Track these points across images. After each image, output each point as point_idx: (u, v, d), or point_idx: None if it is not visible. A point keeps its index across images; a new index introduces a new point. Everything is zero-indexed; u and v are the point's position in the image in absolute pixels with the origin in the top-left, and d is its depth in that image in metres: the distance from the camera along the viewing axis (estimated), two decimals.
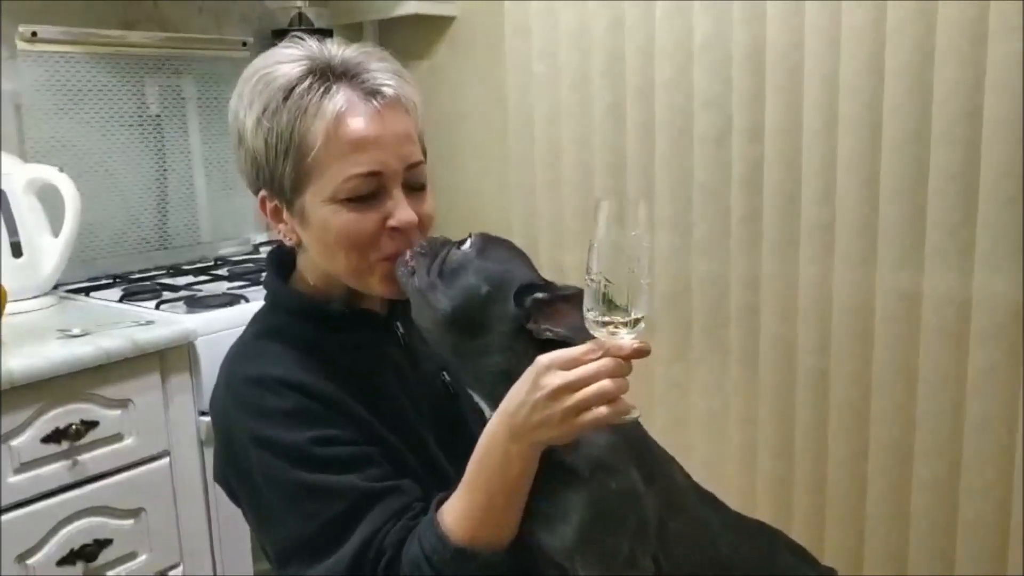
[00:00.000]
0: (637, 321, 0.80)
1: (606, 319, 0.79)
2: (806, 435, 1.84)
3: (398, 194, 0.95)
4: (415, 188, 0.97)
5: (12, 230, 1.72)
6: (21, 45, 1.88)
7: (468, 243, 0.91)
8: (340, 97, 0.92)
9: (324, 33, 2.17)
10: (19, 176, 1.75)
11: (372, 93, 0.94)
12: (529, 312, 0.86)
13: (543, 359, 0.80)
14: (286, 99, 0.92)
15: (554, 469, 0.86)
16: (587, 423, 0.78)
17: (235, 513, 1.03)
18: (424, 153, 1.00)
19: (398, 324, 1.05)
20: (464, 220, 2.41)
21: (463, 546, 0.84)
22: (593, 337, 0.80)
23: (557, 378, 0.79)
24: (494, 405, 0.87)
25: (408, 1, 2.30)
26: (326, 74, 0.94)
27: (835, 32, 1.68)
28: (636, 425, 0.93)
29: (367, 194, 0.93)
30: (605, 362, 0.78)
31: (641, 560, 0.86)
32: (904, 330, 1.69)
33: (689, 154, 1.92)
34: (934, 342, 1.64)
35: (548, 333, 0.85)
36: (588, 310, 0.80)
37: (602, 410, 0.78)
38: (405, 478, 0.94)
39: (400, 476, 0.93)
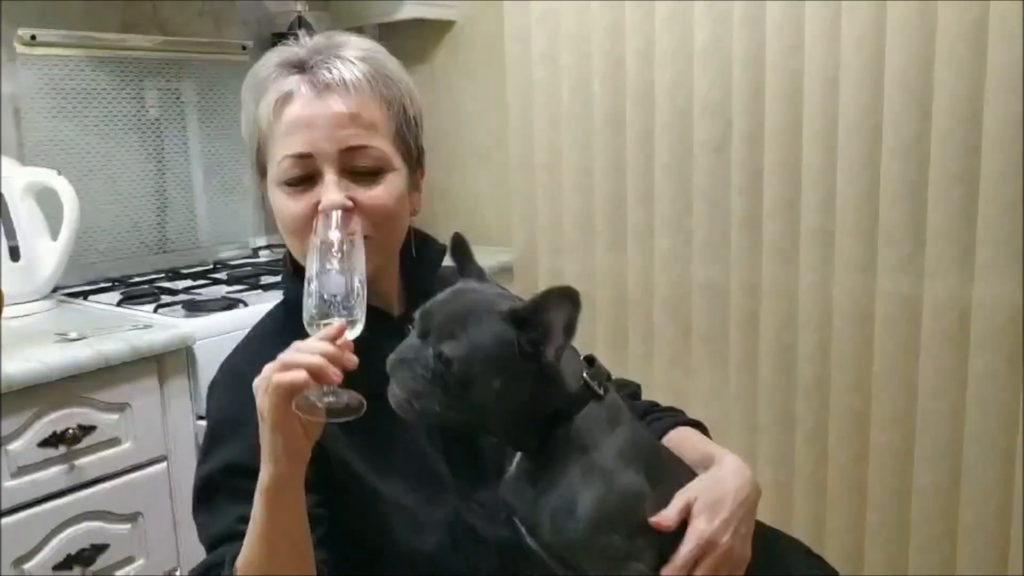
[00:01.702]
0: (353, 323, 0.83)
1: (324, 321, 0.83)
2: (806, 441, 1.83)
3: (329, 177, 0.94)
4: (362, 173, 0.96)
5: (10, 234, 1.72)
6: (20, 48, 1.88)
7: (433, 342, 0.85)
8: (287, 82, 0.95)
9: None
10: (17, 179, 1.75)
11: (315, 76, 0.95)
12: (538, 348, 0.85)
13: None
14: (255, 90, 0.97)
15: (564, 467, 0.86)
16: (271, 394, 0.78)
17: None
18: (410, 141, 1.00)
19: (409, 326, 1.04)
20: (464, 224, 2.39)
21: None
22: None
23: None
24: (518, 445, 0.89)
25: (408, 5, 2.30)
26: (291, 64, 0.96)
27: (835, 37, 1.68)
28: (642, 427, 0.95)
29: (303, 176, 0.94)
30: (297, 344, 0.80)
31: (644, 556, 0.87)
32: (904, 336, 1.68)
33: (689, 159, 1.92)
34: (934, 348, 1.64)
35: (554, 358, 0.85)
36: (308, 312, 0.83)
37: (284, 376, 0.77)
38: (339, 477, 0.95)
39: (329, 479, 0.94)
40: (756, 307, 1.87)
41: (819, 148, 1.73)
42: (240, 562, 0.84)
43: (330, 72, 0.95)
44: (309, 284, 0.83)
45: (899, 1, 1.60)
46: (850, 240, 1.72)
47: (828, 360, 1.78)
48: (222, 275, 2.04)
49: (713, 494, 0.92)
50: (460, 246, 0.96)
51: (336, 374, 0.78)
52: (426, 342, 0.85)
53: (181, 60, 2.15)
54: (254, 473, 0.85)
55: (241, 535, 0.86)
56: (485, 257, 2.18)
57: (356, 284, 0.84)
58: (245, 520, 0.87)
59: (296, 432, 0.79)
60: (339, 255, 0.85)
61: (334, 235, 0.87)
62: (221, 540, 0.90)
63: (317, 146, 0.93)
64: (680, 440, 1.07)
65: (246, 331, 1.07)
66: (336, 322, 0.82)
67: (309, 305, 0.83)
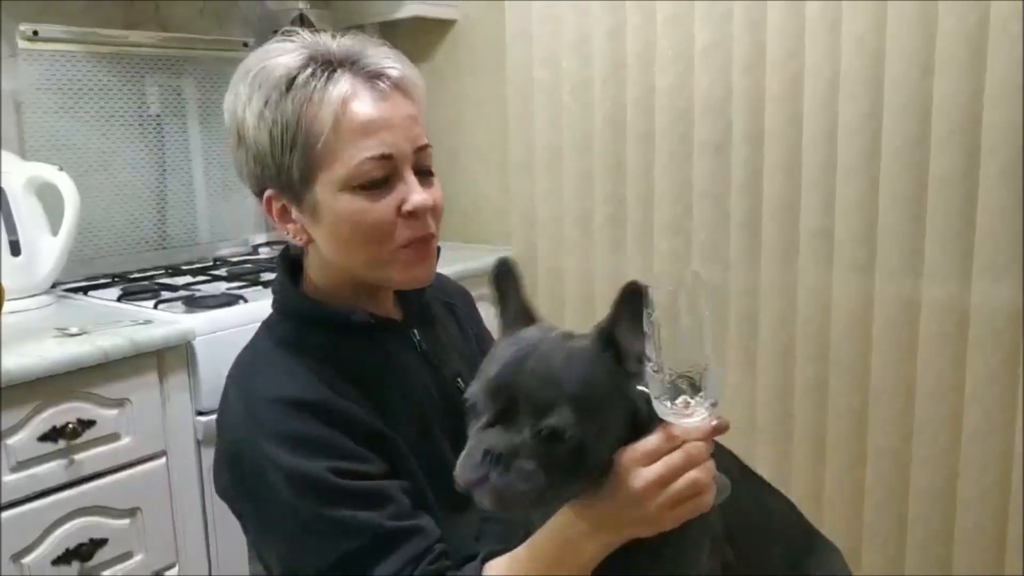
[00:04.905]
0: (713, 404, 0.76)
1: (679, 407, 0.75)
2: (804, 442, 1.83)
3: (411, 177, 0.93)
4: (424, 173, 0.96)
5: (11, 229, 1.72)
6: (22, 44, 1.88)
7: (528, 420, 0.75)
8: (345, 82, 0.91)
9: None
10: (19, 174, 1.75)
11: (376, 76, 0.93)
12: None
13: (625, 459, 0.78)
14: (289, 89, 0.91)
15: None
16: (685, 516, 0.79)
17: (231, 514, 1.02)
18: None
19: (414, 331, 1.03)
20: (464, 224, 2.41)
21: None
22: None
23: (642, 479, 0.77)
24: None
25: (409, 3, 2.30)
26: (327, 61, 0.93)
27: (835, 39, 1.68)
28: None
29: (381, 179, 0.91)
30: (689, 452, 0.77)
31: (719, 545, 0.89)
32: (903, 337, 1.69)
33: (689, 160, 1.92)
34: (933, 349, 1.64)
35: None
36: (656, 398, 0.75)
37: (704, 500, 0.79)
38: (417, 492, 0.92)
39: (416, 495, 0.92)
40: (755, 308, 1.88)
41: (819, 149, 1.73)
42: None
43: (388, 68, 0.94)
44: (656, 376, 0.74)
45: (900, 2, 1.60)
46: (850, 241, 1.72)
47: (827, 361, 1.78)
48: (222, 271, 2.05)
49: None
50: (506, 276, 0.86)
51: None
52: (513, 424, 0.74)
53: (182, 57, 2.16)
54: (360, 475, 0.86)
55: (408, 532, 0.86)
56: (485, 257, 2.20)
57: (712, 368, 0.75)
58: (394, 516, 0.86)
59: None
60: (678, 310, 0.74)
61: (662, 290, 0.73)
62: (388, 541, 0.86)
63: (398, 146, 0.92)
64: None
65: (245, 327, 1.05)
66: (709, 417, 0.76)
67: (666, 397, 0.74)
